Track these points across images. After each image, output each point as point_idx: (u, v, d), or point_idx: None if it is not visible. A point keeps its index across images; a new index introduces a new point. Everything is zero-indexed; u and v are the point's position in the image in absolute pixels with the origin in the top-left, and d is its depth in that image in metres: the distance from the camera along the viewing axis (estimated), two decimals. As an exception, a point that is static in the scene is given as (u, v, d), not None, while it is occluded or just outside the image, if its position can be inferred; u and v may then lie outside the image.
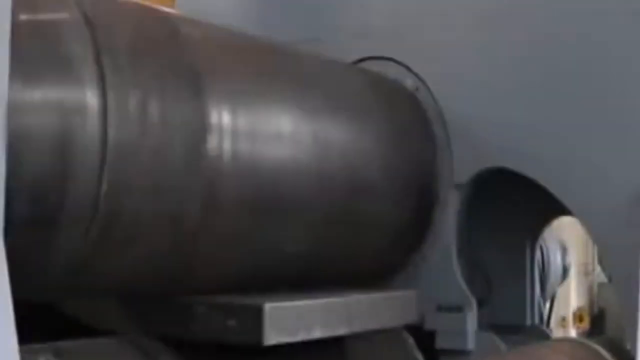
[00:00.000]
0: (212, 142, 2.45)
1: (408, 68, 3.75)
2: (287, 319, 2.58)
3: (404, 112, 3.63)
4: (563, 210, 3.54)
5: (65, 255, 2.17)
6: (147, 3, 2.59)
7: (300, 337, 2.63)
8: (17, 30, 1.80)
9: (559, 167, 3.42)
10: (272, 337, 2.49)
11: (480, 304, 3.64)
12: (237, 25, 3.10)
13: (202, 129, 2.43)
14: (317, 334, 2.70)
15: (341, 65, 3.61)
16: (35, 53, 2.03)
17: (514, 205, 3.93)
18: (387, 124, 3.41)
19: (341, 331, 2.83)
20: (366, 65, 3.81)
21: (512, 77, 3.57)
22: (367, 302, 2.99)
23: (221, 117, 2.49)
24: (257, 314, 2.48)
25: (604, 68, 3.40)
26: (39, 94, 2.02)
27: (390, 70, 3.76)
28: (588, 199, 3.37)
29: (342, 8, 4.02)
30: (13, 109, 1.83)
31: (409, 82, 3.74)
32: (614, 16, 3.37)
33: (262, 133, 2.68)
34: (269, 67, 2.93)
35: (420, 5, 3.81)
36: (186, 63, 2.46)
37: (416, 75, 3.73)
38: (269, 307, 2.50)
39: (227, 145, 2.49)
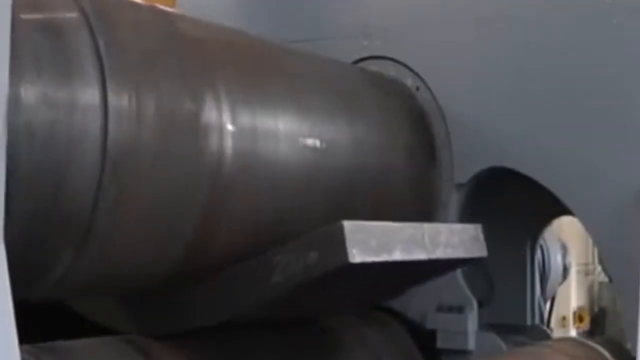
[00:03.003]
0: (211, 140, 2.44)
1: (408, 68, 3.75)
2: (368, 237, 2.52)
3: (404, 112, 3.63)
4: (563, 210, 3.53)
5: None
6: (148, 2, 2.59)
7: (382, 257, 2.56)
8: (17, 29, 1.80)
9: (559, 167, 3.41)
10: (356, 255, 2.43)
11: (481, 304, 3.63)
12: (237, 25, 3.10)
13: (202, 126, 2.43)
14: (397, 255, 2.63)
15: (341, 65, 3.61)
16: (35, 52, 2.03)
17: (514, 205, 3.92)
18: (387, 124, 3.41)
19: (420, 256, 2.76)
20: (366, 65, 3.81)
21: (512, 77, 3.56)
22: (443, 231, 2.95)
23: (221, 114, 2.49)
24: (338, 234, 2.43)
25: (603, 68, 3.40)
26: (37, 93, 2.01)
27: (390, 70, 3.76)
28: (588, 199, 3.36)
29: (342, 8, 4.02)
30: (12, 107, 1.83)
31: (409, 82, 3.74)
32: (614, 16, 3.37)
33: (261, 131, 2.68)
34: (269, 67, 2.92)
35: (420, 5, 3.81)
36: (186, 62, 2.46)
37: (416, 75, 3.74)
38: (348, 224, 2.45)
39: (227, 144, 2.49)
